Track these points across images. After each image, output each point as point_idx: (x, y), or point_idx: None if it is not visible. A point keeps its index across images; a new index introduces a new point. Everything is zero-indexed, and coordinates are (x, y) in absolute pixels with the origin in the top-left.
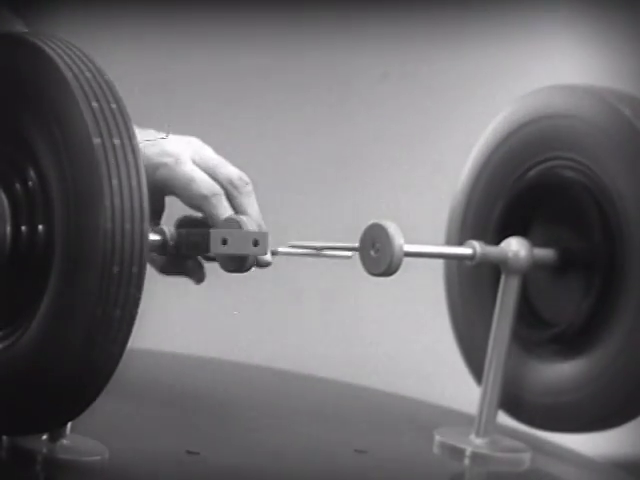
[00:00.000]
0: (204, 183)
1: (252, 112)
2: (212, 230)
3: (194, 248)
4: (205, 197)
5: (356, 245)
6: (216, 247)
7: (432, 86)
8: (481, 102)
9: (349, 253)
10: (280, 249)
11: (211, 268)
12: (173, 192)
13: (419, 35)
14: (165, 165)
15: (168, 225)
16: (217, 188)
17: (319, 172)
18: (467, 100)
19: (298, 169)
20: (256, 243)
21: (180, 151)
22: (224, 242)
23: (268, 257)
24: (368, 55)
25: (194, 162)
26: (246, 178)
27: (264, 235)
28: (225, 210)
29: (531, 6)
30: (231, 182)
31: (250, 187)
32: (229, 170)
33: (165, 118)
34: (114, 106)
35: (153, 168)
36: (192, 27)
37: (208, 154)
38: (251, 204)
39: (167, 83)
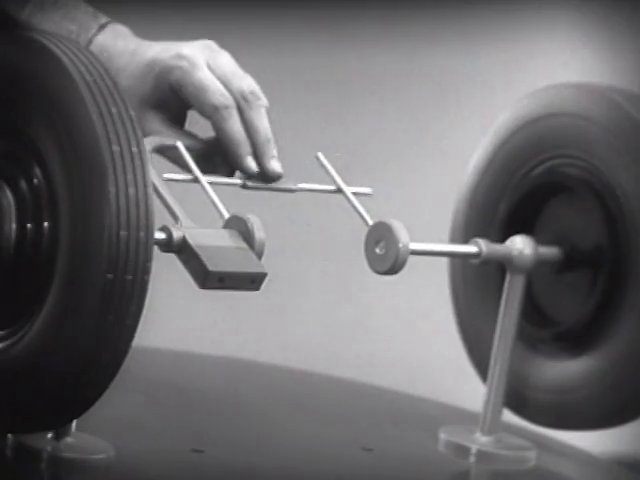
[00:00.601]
0: (216, 94)
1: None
2: (211, 270)
3: (192, 273)
4: (216, 108)
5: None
6: (212, 284)
7: (443, 83)
8: (489, 99)
9: (368, 190)
10: (302, 185)
11: None
12: (187, 97)
13: (430, 31)
14: (180, 68)
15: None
16: (229, 100)
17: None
18: (475, 96)
19: (306, 163)
20: (253, 282)
21: (196, 55)
22: (220, 280)
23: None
24: (379, 52)
25: (209, 68)
26: (259, 92)
27: (261, 275)
28: (234, 124)
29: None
30: (243, 95)
31: (262, 102)
32: (243, 82)
33: None
34: (121, 108)
35: (168, 70)
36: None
37: (224, 60)
38: (261, 119)
39: None
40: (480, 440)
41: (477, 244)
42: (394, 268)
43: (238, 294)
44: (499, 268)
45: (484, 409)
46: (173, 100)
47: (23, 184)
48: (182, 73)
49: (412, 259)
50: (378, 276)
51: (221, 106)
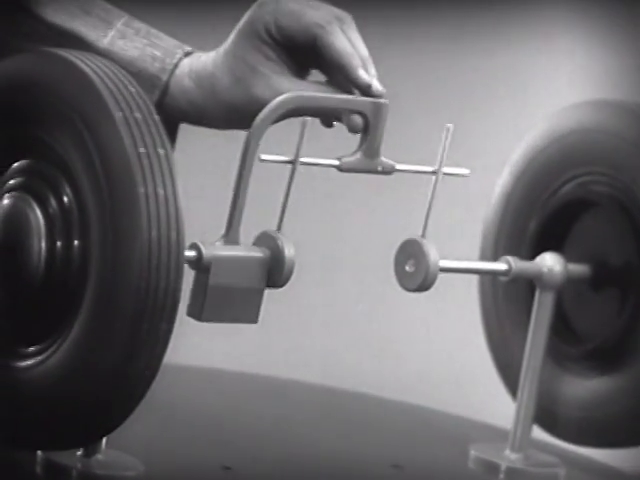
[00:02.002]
0: (316, 14)
1: None
2: (202, 318)
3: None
4: (321, 26)
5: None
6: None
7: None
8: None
9: (466, 171)
10: (400, 166)
11: None
12: (284, 28)
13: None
14: (270, 10)
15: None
16: (330, 17)
17: (354, 191)
18: (505, 106)
19: (333, 176)
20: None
21: None
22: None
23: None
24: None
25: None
26: (351, 17)
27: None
28: (342, 37)
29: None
30: (339, 16)
31: (356, 29)
32: (332, 7)
33: None
34: (146, 114)
35: (259, 17)
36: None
37: None
38: (357, 37)
39: None
40: (510, 457)
41: (507, 261)
42: (424, 286)
43: (263, 307)
44: (529, 285)
45: (514, 426)
46: (276, 49)
47: (52, 200)
48: (273, 12)
49: (442, 276)
50: (407, 293)
51: (324, 22)
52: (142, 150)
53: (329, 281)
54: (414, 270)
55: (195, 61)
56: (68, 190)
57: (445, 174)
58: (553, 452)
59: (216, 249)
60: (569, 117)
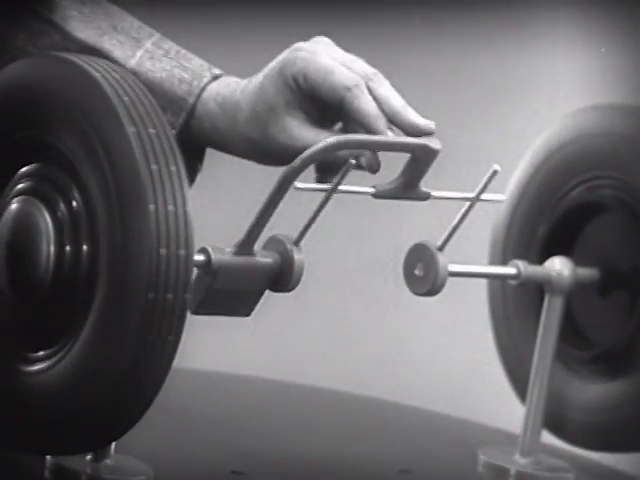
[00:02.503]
0: (344, 74)
1: None
2: (214, 287)
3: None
4: (347, 88)
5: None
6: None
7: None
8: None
9: (502, 197)
10: (435, 193)
11: None
12: (311, 84)
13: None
14: (303, 59)
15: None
16: (358, 78)
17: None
18: (517, 110)
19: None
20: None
21: (314, 45)
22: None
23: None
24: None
25: (329, 57)
26: (381, 75)
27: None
28: (368, 100)
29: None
30: (367, 75)
31: (388, 81)
32: (364, 65)
33: None
34: (162, 133)
35: (290, 63)
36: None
37: (339, 50)
38: (393, 94)
39: None
40: (519, 461)
41: (516, 266)
42: (433, 290)
43: (275, 313)
44: (538, 289)
45: (523, 430)
46: (300, 97)
47: (61, 206)
48: (304, 62)
49: (451, 279)
50: (416, 297)
51: (352, 84)
52: (154, 167)
53: (339, 285)
54: (423, 274)
55: (224, 86)
56: (77, 195)
57: (481, 200)
58: (562, 456)
59: (225, 255)
60: (577, 121)
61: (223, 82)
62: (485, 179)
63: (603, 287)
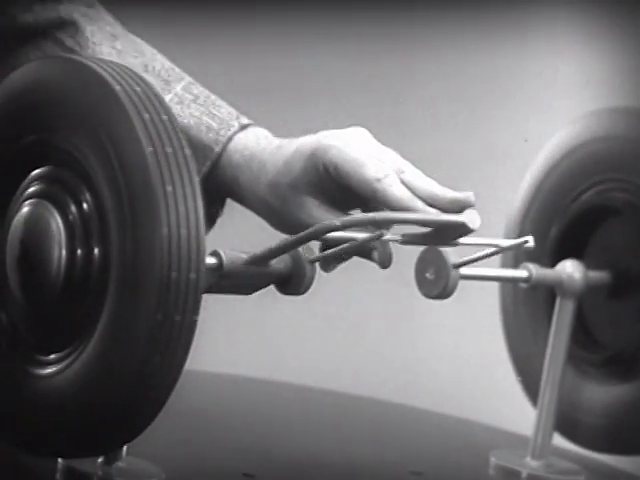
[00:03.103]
0: (376, 167)
1: (297, 115)
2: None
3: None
4: (378, 179)
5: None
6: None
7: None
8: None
9: (529, 241)
10: (463, 240)
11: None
12: (342, 175)
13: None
14: (336, 147)
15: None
16: (389, 169)
17: None
18: (525, 115)
19: None
20: None
21: (349, 135)
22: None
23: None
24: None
25: (362, 149)
26: (414, 167)
27: None
28: (401, 188)
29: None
30: (400, 168)
31: (421, 172)
32: (395, 157)
33: None
34: (176, 147)
35: (322, 150)
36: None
37: (373, 141)
38: (427, 181)
39: None
40: (530, 464)
41: (527, 269)
42: (445, 293)
43: (286, 315)
44: (550, 292)
45: (534, 433)
46: (325, 182)
47: (72, 209)
48: (337, 152)
49: (463, 282)
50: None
51: (382, 176)
52: (169, 189)
53: (350, 289)
54: (435, 277)
55: (253, 140)
56: (88, 198)
57: (506, 248)
58: (574, 459)
59: (238, 260)
60: (589, 124)
61: (252, 135)
62: (514, 243)
63: (614, 290)
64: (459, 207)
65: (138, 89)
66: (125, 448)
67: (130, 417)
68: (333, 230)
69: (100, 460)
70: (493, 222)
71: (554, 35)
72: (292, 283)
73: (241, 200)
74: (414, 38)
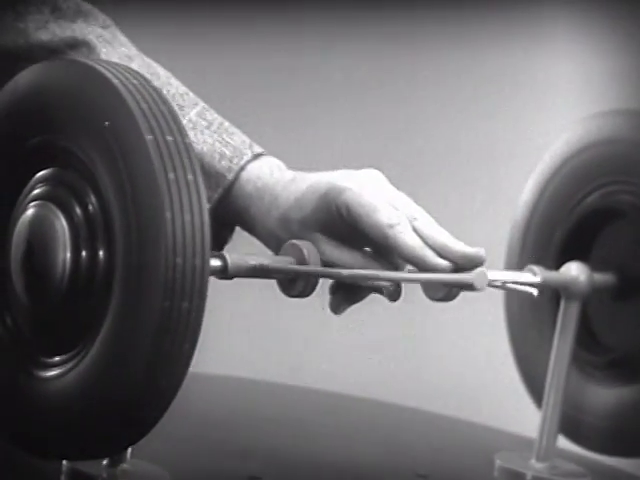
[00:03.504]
0: (389, 212)
1: (301, 133)
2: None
3: None
4: (390, 226)
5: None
6: None
7: (495, 105)
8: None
9: (534, 291)
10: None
11: (269, 293)
12: (355, 219)
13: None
14: (350, 190)
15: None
16: (402, 216)
17: None
18: (531, 119)
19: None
20: None
21: (364, 178)
22: None
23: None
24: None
25: (377, 193)
26: (427, 215)
27: None
28: (412, 236)
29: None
30: (413, 215)
31: (433, 220)
32: (409, 204)
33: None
34: (178, 137)
35: (337, 192)
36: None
37: (388, 186)
38: (439, 230)
39: None
40: (535, 466)
41: (532, 271)
42: (449, 296)
43: (295, 318)
44: (554, 295)
45: (539, 435)
46: (337, 222)
47: (78, 212)
48: (351, 194)
49: None
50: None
51: (395, 222)
52: (172, 176)
53: None
54: None
55: (267, 172)
56: (93, 201)
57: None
58: (579, 462)
59: (243, 265)
60: (594, 126)
61: (266, 165)
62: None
63: (619, 292)
64: (469, 263)
65: (144, 90)
66: (130, 450)
67: (135, 418)
68: (337, 279)
69: (105, 462)
70: (498, 225)
71: (554, 36)
72: (297, 285)
73: (250, 230)
74: (417, 39)
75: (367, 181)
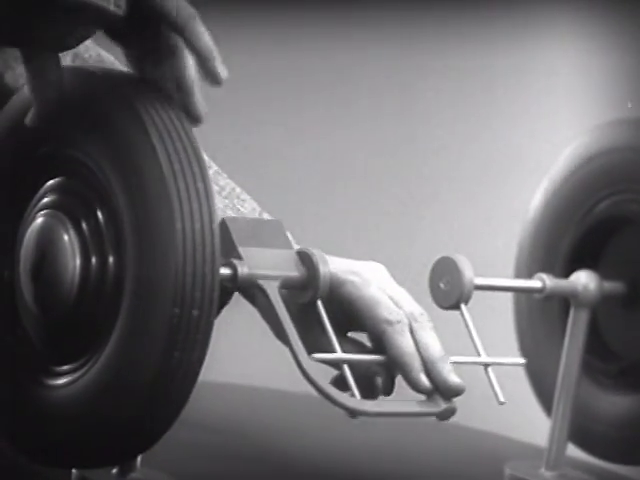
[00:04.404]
0: (390, 308)
1: (316, 145)
2: None
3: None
4: (389, 322)
5: (522, 361)
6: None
7: (508, 113)
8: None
9: (521, 360)
10: (453, 358)
11: None
12: (355, 311)
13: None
14: (352, 282)
15: None
16: (402, 316)
17: (390, 209)
18: (543, 129)
19: (372, 206)
20: None
21: (367, 272)
22: None
23: None
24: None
25: (379, 287)
26: (428, 316)
27: None
28: (408, 338)
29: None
30: (414, 315)
31: (432, 324)
32: (412, 304)
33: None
34: (189, 148)
35: (339, 283)
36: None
37: (393, 284)
38: (433, 338)
39: None
40: (545, 475)
41: (541, 279)
42: (458, 303)
43: None
44: (564, 303)
45: (549, 444)
46: (336, 312)
47: (89, 221)
48: (354, 287)
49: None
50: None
51: (394, 320)
52: (181, 184)
53: None
54: (449, 288)
55: None
56: (103, 209)
57: (498, 364)
58: (589, 470)
59: (253, 274)
60: (604, 135)
61: None
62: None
63: (629, 300)
64: (447, 391)
65: (153, 99)
66: (139, 459)
67: (145, 426)
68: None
69: (114, 471)
70: (508, 233)
71: (555, 36)
72: (307, 291)
73: (252, 300)
74: (419, 39)
75: (370, 274)
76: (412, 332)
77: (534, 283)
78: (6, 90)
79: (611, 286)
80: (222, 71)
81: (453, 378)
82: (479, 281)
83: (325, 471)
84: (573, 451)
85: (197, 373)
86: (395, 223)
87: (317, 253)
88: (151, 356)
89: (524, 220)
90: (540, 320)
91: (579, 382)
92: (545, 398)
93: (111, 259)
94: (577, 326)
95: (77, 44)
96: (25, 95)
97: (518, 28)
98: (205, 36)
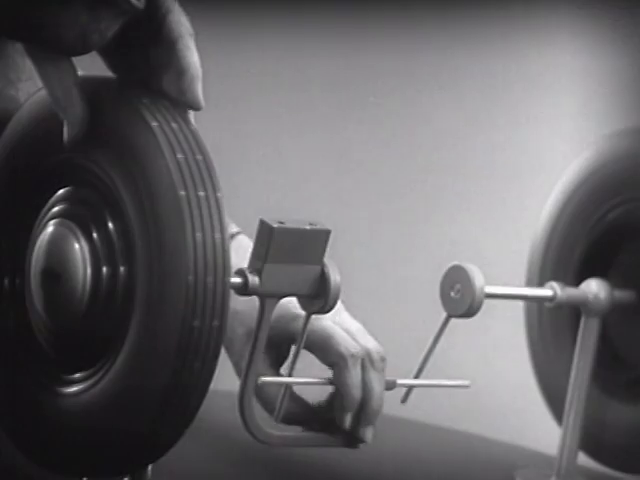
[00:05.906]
0: (344, 342)
1: (326, 151)
2: None
3: None
4: (342, 356)
5: (467, 383)
6: None
7: (516, 118)
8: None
9: (466, 382)
10: (400, 381)
11: None
12: (308, 346)
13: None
14: (303, 317)
15: None
16: (357, 350)
17: (401, 214)
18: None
19: (382, 211)
20: None
21: None
22: None
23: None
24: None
25: (333, 322)
26: (383, 353)
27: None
28: (357, 375)
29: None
30: (369, 353)
31: (384, 364)
32: (369, 340)
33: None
34: (199, 157)
35: (290, 318)
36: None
37: (348, 318)
38: (379, 382)
39: None
40: None
41: (552, 288)
42: (470, 312)
43: None
44: (574, 311)
45: (559, 452)
46: (285, 344)
47: (99, 230)
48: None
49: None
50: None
51: (348, 354)
52: (192, 193)
53: (374, 307)
54: (460, 296)
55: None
56: (114, 218)
57: (447, 386)
58: (599, 479)
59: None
60: (615, 143)
61: (234, 247)
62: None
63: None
64: (355, 441)
65: (162, 108)
66: (150, 468)
67: (156, 435)
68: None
69: None
70: (519, 241)
71: (555, 36)
72: (317, 302)
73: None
74: (419, 40)
75: None
76: (363, 369)
77: (545, 292)
78: (6, 104)
79: (622, 295)
80: (200, 96)
81: (368, 435)
82: (490, 289)
83: (335, 477)
84: (584, 460)
85: (209, 382)
86: (400, 229)
87: (328, 262)
88: (163, 365)
89: (535, 228)
90: (551, 329)
91: (590, 391)
92: (556, 406)
93: (122, 269)
94: (587, 335)
95: (92, 48)
96: (35, 105)
97: (531, 32)
98: (195, 56)
